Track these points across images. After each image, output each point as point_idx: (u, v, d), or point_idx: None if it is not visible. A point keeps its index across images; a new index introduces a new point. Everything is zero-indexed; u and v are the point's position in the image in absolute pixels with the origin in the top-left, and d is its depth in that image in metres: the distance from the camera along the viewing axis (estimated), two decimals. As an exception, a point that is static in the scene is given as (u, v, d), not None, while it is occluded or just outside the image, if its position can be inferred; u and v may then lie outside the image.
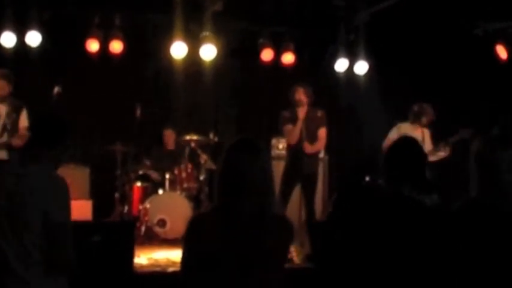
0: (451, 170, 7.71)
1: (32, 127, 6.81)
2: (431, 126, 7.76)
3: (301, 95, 7.43)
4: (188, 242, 2.87)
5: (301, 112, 7.38)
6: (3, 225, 3.02)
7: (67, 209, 3.07)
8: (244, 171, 2.80)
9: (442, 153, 7.56)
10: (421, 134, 7.60)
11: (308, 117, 7.43)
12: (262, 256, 2.76)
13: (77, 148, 7.94)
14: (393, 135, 7.44)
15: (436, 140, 7.70)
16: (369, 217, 3.13)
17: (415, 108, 7.64)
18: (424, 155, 3.38)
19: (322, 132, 7.57)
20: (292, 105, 7.48)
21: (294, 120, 7.42)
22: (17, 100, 7.16)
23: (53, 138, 3.22)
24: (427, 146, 7.62)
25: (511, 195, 2.94)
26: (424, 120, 7.64)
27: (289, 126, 7.46)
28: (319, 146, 7.64)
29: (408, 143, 3.45)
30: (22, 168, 3.12)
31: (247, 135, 2.98)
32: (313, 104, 7.54)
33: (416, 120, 7.65)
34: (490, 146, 3.06)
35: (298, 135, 7.37)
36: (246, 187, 2.78)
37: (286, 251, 2.97)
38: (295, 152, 7.42)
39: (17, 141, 6.88)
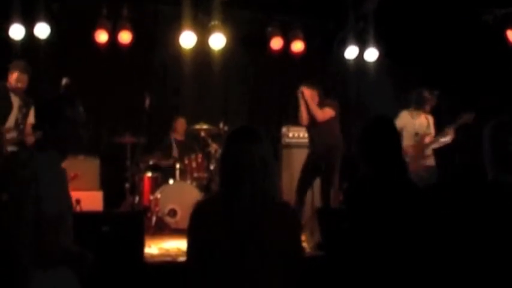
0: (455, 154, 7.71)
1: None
2: (435, 112, 7.71)
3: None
4: (191, 231, 2.88)
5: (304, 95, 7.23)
6: (11, 215, 3.04)
7: (60, 198, 3.06)
8: (244, 159, 2.79)
9: (445, 139, 7.49)
10: (426, 120, 7.55)
11: None
12: (263, 244, 2.74)
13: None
14: (398, 123, 7.29)
15: (439, 126, 7.64)
16: (380, 207, 3.11)
17: (420, 94, 7.54)
18: (398, 134, 3.34)
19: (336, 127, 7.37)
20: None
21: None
22: (28, 96, 7.17)
23: (44, 117, 3.21)
24: (432, 132, 7.57)
25: None
26: (428, 107, 7.56)
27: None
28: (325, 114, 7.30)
29: (382, 123, 3.38)
30: (28, 157, 3.15)
31: (252, 125, 2.98)
32: (322, 98, 7.36)
33: (420, 106, 7.57)
34: (500, 130, 3.12)
35: (305, 116, 7.24)
36: (247, 175, 2.78)
37: (294, 239, 2.89)
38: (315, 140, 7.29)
39: (30, 139, 6.87)
